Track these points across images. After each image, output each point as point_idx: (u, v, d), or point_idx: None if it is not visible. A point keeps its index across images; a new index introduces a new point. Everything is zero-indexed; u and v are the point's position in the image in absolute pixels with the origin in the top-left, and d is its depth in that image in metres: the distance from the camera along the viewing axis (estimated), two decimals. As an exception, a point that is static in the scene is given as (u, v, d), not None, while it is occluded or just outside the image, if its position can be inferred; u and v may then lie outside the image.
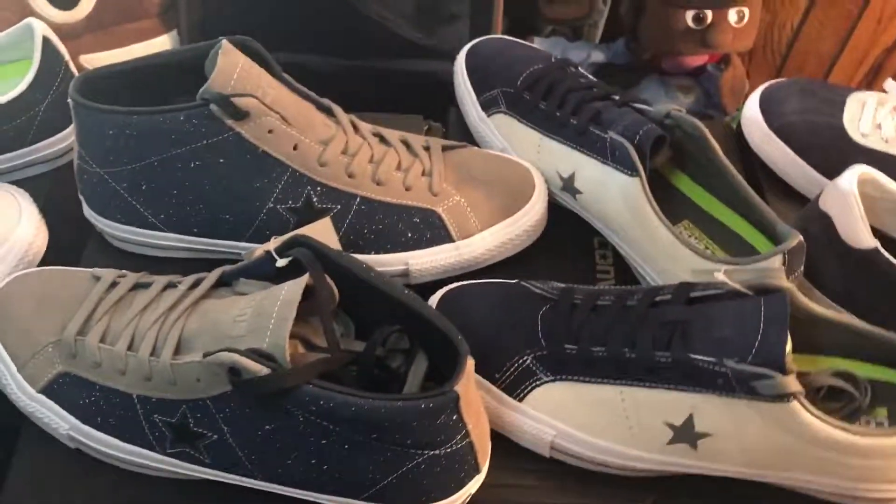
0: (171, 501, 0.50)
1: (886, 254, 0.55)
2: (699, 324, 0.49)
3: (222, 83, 0.52)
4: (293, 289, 0.44)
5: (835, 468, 0.49)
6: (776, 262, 0.52)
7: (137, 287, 0.52)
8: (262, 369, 0.42)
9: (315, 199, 0.56)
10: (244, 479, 0.48)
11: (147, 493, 0.50)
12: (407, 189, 0.58)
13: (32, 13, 0.71)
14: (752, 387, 0.46)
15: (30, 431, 0.52)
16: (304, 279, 0.45)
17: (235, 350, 0.42)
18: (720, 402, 0.48)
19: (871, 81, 0.94)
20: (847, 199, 0.56)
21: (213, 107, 0.52)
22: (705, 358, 0.47)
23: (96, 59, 0.75)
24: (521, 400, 0.52)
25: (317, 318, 0.47)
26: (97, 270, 0.53)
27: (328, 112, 0.59)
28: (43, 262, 0.59)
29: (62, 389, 0.50)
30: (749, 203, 0.58)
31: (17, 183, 0.62)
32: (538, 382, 0.52)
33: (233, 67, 0.53)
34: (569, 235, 0.64)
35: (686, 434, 0.49)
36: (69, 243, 0.62)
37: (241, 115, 0.53)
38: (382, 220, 0.58)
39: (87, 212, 0.60)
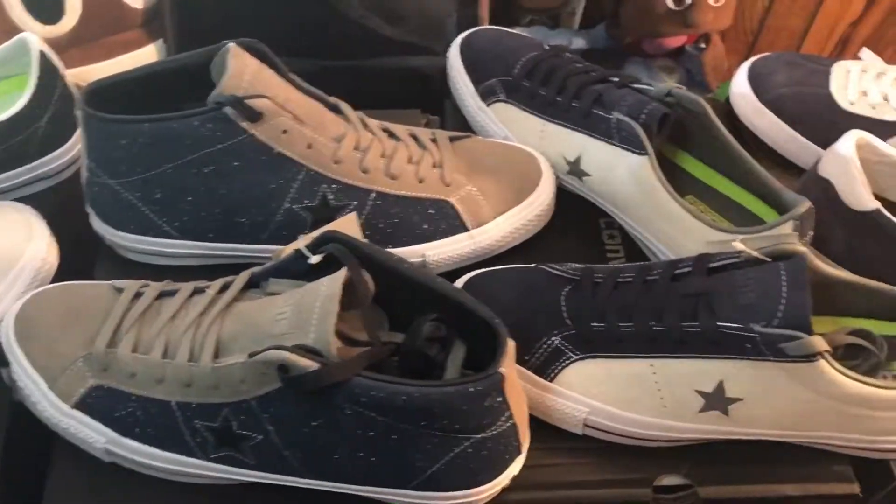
0: (214, 508, 0.50)
1: (888, 213, 0.57)
2: (722, 292, 0.50)
3: (234, 85, 0.52)
4: (333, 283, 0.45)
5: (860, 423, 0.51)
6: (788, 228, 0.54)
7: (163, 295, 0.52)
8: (311, 364, 0.42)
9: (331, 197, 0.57)
10: (290, 478, 0.49)
11: (189, 502, 0.50)
12: (420, 181, 0.59)
13: (15, 29, 0.69)
14: (780, 349, 0.48)
15: (63, 449, 0.51)
16: (343, 273, 0.45)
17: (282, 347, 0.43)
18: (749, 366, 0.49)
19: (840, 53, 0.97)
20: (847, 163, 0.58)
21: (227, 109, 0.52)
22: (733, 325, 0.49)
23: (83, 73, 0.74)
24: (551, 380, 0.53)
25: (352, 312, 0.47)
26: (118, 282, 0.53)
27: (337, 110, 0.59)
28: (54, 279, 0.59)
29: (96, 403, 0.49)
30: (753, 174, 0.59)
31: (21, 200, 0.61)
32: (568, 361, 0.53)
33: (244, 69, 0.53)
34: (575, 218, 0.65)
35: (717, 401, 0.51)
36: (76, 258, 0.61)
37: (255, 116, 0.53)
38: (398, 214, 0.58)
39: (97, 224, 0.60)
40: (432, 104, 0.75)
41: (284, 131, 0.54)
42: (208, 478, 0.50)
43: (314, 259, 0.47)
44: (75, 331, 0.51)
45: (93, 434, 0.50)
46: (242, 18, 0.77)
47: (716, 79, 0.83)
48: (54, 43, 0.71)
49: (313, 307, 0.44)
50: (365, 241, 0.49)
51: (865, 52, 0.76)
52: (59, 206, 0.64)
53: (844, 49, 0.95)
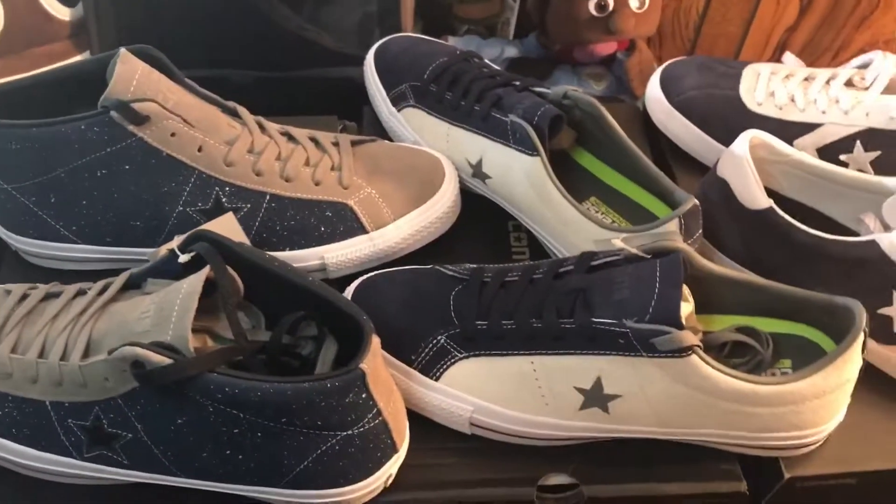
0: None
1: (781, 212, 0.57)
2: (600, 289, 0.50)
3: (122, 90, 0.53)
4: (194, 281, 0.45)
5: (741, 420, 0.51)
6: (672, 226, 0.54)
7: (48, 297, 0.52)
8: (163, 360, 0.42)
9: (224, 200, 0.57)
10: (164, 477, 0.49)
11: (68, 502, 0.50)
12: (316, 184, 0.59)
13: (-62, 41, 0.70)
14: (651, 344, 0.48)
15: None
16: (205, 271, 0.46)
17: (138, 344, 0.43)
18: (624, 362, 0.49)
19: (778, 59, 0.96)
20: (741, 163, 0.58)
21: (113, 113, 0.53)
22: (606, 320, 0.49)
23: (8, 84, 0.75)
24: (437, 379, 0.53)
25: (224, 311, 0.47)
26: (8, 286, 0.54)
27: (233, 114, 0.60)
28: (-42, 285, 0.59)
29: (-25, 404, 0.50)
30: (648, 173, 0.59)
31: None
32: (452, 360, 0.53)
33: (132, 74, 0.54)
34: (483, 220, 0.66)
35: (596, 397, 0.51)
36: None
37: (141, 119, 0.54)
38: (294, 216, 0.58)
39: (0, 230, 0.60)
40: (352, 111, 0.75)
41: (173, 134, 0.55)
42: (86, 478, 0.50)
43: (184, 258, 0.48)
44: (-39, 333, 0.51)
45: (-30, 435, 0.50)
46: (167, 30, 0.77)
47: (643, 85, 0.83)
48: (-23, 55, 0.72)
49: (173, 305, 0.44)
50: (237, 240, 0.49)
51: (787, 56, 0.76)
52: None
53: (782, 55, 0.95)
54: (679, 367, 0.48)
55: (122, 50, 0.55)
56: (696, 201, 0.55)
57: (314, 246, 0.59)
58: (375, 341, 0.46)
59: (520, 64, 0.87)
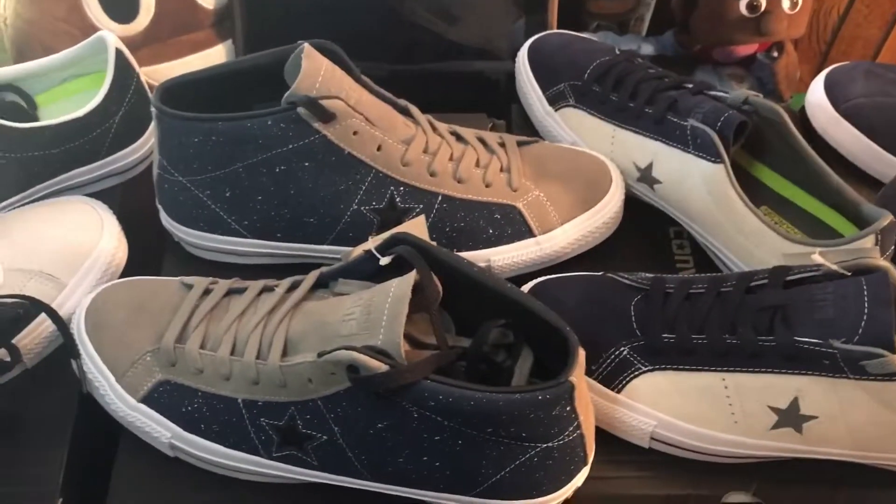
0: (275, 506, 0.50)
1: (975, 230, 0.55)
2: (800, 306, 0.49)
3: (308, 86, 0.52)
4: (403, 285, 0.44)
5: (943, 446, 0.49)
6: (869, 241, 0.52)
7: (231, 293, 0.52)
8: (381, 366, 0.42)
9: (398, 199, 0.56)
10: (352, 479, 0.48)
11: (250, 499, 0.50)
12: (487, 186, 0.58)
13: (92, 27, 0.71)
14: (860, 366, 0.46)
15: (128, 441, 0.52)
16: (413, 275, 0.45)
17: (352, 348, 0.42)
18: (826, 383, 0.48)
19: (918, 64, 0.94)
20: (930, 177, 0.56)
21: (300, 110, 0.52)
22: (811, 339, 0.47)
23: (155, 72, 0.75)
24: (619, 391, 0.52)
25: (420, 314, 0.47)
26: (187, 278, 0.53)
27: (406, 113, 0.59)
28: (123, 274, 0.59)
29: (163, 398, 0.50)
30: (830, 186, 0.58)
31: (93, 195, 0.62)
32: (636, 373, 0.52)
33: (317, 70, 0.53)
34: (643, 226, 0.64)
35: (791, 418, 0.49)
36: (145, 253, 0.62)
37: (327, 117, 0.53)
38: (464, 218, 0.58)
39: (166, 221, 0.60)
40: (498, 109, 0.74)
41: (355, 132, 0.54)
42: (270, 476, 0.50)
43: (384, 260, 0.47)
44: (144, 325, 0.51)
45: (158, 428, 0.50)
46: (311, 21, 0.77)
47: (788, 88, 0.81)
48: (127, 42, 0.72)
49: (383, 309, 0.44)
50: (433, 243, 0.49)
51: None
52: (130, 203, 0.65)
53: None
54: (888, 391, 0.47)
55: (306, 45, 0.54)
56: (893, 217, 0.53)
57: (481, 248, 0.59)
58: (581, 354, 0.45)
59: (657, 62, 0.84)
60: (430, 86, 0.78)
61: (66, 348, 0.52)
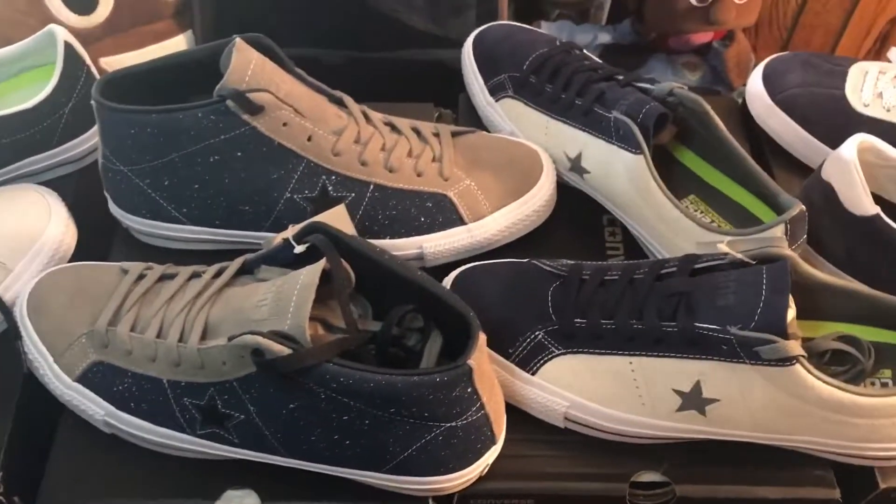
0: (203, 481, 0.52)
1: (888, 219, 0.56)
2: (703, 294, 0.51)
3: (237, 79, 0.54)
4: (311, 273, 0.46)
5: (840, 429, 0.50)
6: (778, 231, 0.54)
7: (164, 278, 0.54)
8: (283, 350, 0.44)
9: (330, 188, 0.58)
10: (271, 456, 0.51)
11: (180, 474, 0.53)
12: (418, 175, 0.60)
13: (52, 19, 0.73)
14: (755, 352, 0.48)
15: (68, 419, 0.55)
16: (321, 263, 0.47)
17: (258, 333, 0.45)
18: (726, 368, 0.49)
19: (878, 51, 0.94)
20: (848, 167, 0.57)
21: (229, 103, 0.55)
22: (710, 326, 0.49)
23: (115, 62, 0.77)
24: (534, 373, 0.54)
25: (335, 300, 0.49)
26: (125, 264, 0.56)
27: (340, 103, 0.61)
28: (72, 259, 0.62)
29: (97, 377, 0.52)
30: (752, 175, 0.59)
31: (45, 184, 0.65)
32: (550, 356, 0.54)
33: (247, 64, 0.55)
34: (578, 215, 0.66)
35: (694, 400, 0.51)
36: (96, 240, 0.64)
37: (256, 109, 0.55)
38: (396, 206, 0.60)
39: (114, 209, 0.63)
40: (453, 98, 0.76)
41: (285, 124, 0.56)
42: (197, 452, 0.52)
43: (299, 249, 0.49)
44: (82, 309, 0.54)
45: (93, 407, 0.53)
46: (268, 9, 0.79)
47: (740, 76, 0.83)
48: (88, 32, 0.75)
49: (291, 295, 0.46)
50: (349, 233, 0.51)
51: (893, 53, 0.75)
52: (84, 191, 0.67)
53: (882, 47, 0.93)
54: (782, 375, 0.48)
55: (237, 39, 0.56)
56: (803, 207, 0.54)
57: (413, 235, 0.60)
58: (482, 338, 0.47)
59: (613, 51, 0.86)
60: (383, 74, 0.80)
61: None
